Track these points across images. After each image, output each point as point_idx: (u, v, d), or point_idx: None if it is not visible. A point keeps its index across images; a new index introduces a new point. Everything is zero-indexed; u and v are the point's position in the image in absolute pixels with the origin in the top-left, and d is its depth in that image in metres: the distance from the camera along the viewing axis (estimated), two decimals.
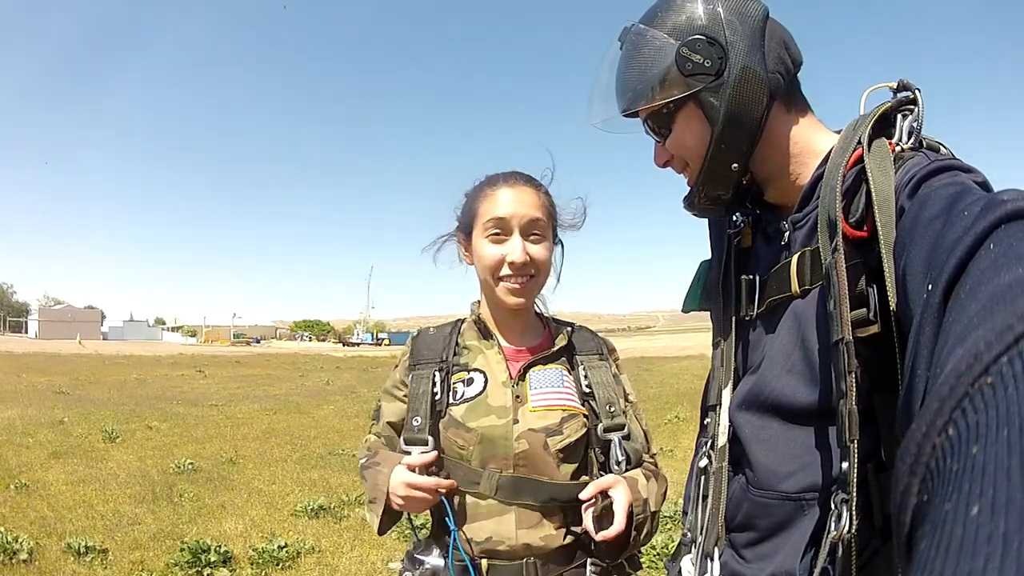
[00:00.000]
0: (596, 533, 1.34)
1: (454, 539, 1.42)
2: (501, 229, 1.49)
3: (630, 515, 1.36)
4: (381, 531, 1.51)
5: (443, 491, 1.42)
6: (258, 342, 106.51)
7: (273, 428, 11.05)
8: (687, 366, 23.41)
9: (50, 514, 5.69)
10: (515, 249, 1.48)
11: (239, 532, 5.35)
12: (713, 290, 1.27)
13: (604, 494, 1.37)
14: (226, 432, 10.48)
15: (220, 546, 4.73)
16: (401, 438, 1.49)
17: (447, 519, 1.43)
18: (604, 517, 1.37)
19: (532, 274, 1.51)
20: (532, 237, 1.51)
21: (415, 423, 1.47)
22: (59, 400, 14.01)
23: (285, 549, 4.81)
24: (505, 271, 1.49)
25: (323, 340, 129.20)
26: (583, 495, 1.37)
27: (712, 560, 1.12)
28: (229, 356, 41.22)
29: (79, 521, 5.50)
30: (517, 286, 1.50)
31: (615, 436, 1.47)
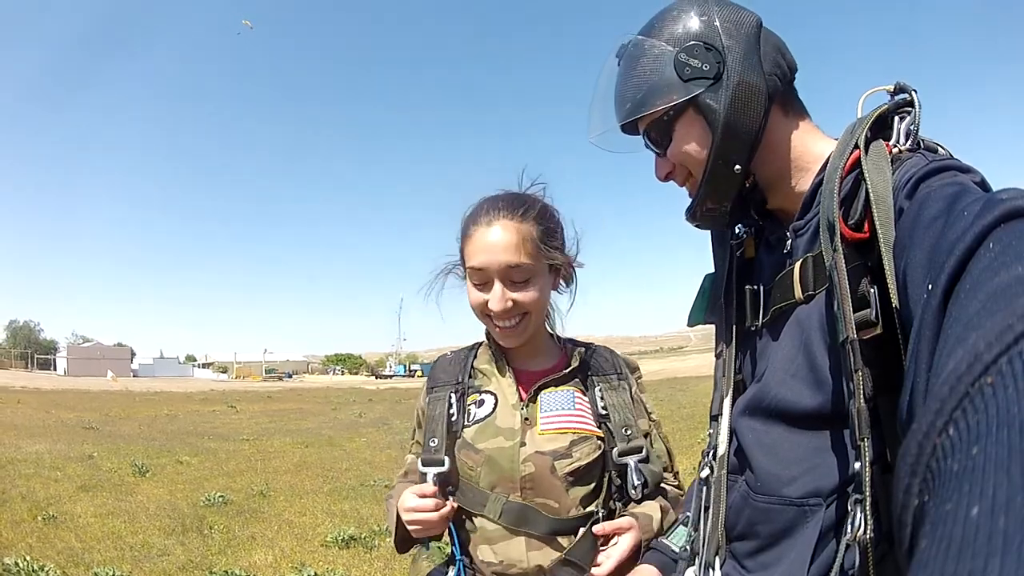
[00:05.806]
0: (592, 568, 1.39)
1: (459, 570, 1.43)
2: (479, 279, 1.46)
3: (636, 554, 1.37)
4: (400, 551, 1.56)
5: (445, 514, 1.42)
6: (290, 376, 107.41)
7: (305, 461, 11.12)
8: None
9: (78, 545, 5.73)
10: (494, 298, 1.44)
11: (269, 563, 5.37)
12: (717, 302, 1.27)
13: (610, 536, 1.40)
14: (257, 465, 10.56)
15: None
16: (419, 459, 1.50)
17: (453, 548, 1.45)
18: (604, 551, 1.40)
19: (524, 313, 1.48)
20: (515, 279, 1.45)
21: (432, 444, 1.48)
22: (88, 435, 14.11)
23: None
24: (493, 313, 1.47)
25: (356, 373, 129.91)
26: (596, 530, 1.38)
27: (713, 570, 1.11)
28: (261, 391, 41.72)
29: (107, 552, 5.54)
30: (500, 331, 1.49)
31: (631, 460, 1.44)
